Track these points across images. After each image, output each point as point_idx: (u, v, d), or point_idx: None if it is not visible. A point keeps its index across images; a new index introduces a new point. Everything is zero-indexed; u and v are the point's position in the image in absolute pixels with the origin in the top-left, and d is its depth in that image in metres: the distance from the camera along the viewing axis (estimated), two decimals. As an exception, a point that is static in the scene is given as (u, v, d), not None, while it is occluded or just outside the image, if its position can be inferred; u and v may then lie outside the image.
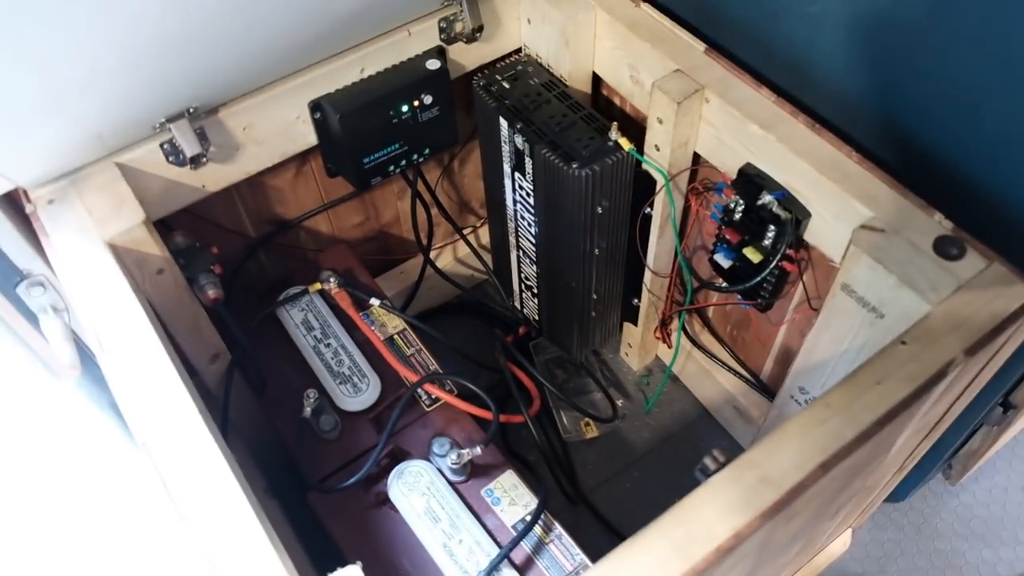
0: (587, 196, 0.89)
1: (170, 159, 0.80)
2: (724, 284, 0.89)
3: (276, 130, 0.86)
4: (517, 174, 0.96)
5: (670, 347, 1.07)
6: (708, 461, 0.58)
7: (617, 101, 0.99)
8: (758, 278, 0.82)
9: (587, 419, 1.13)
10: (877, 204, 0.72)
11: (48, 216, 0.74)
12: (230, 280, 0.95)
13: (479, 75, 0.95)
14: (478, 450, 0.80)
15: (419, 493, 0.79)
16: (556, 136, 0.89)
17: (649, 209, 0.92)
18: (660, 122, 0.84)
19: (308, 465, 0.83)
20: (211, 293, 0.80)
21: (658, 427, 1.13)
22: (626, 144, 0.88)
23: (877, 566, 1.12)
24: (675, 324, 1.05)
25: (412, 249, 1.19)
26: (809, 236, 0.79)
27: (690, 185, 0.90)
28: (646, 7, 0.88)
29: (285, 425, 0.85)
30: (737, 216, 0.83)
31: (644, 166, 0.89)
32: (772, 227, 0.80)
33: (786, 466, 0.57)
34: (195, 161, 0.81)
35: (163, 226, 0.84)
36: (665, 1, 0.89)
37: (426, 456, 0.83)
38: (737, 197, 0.82)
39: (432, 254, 1.19)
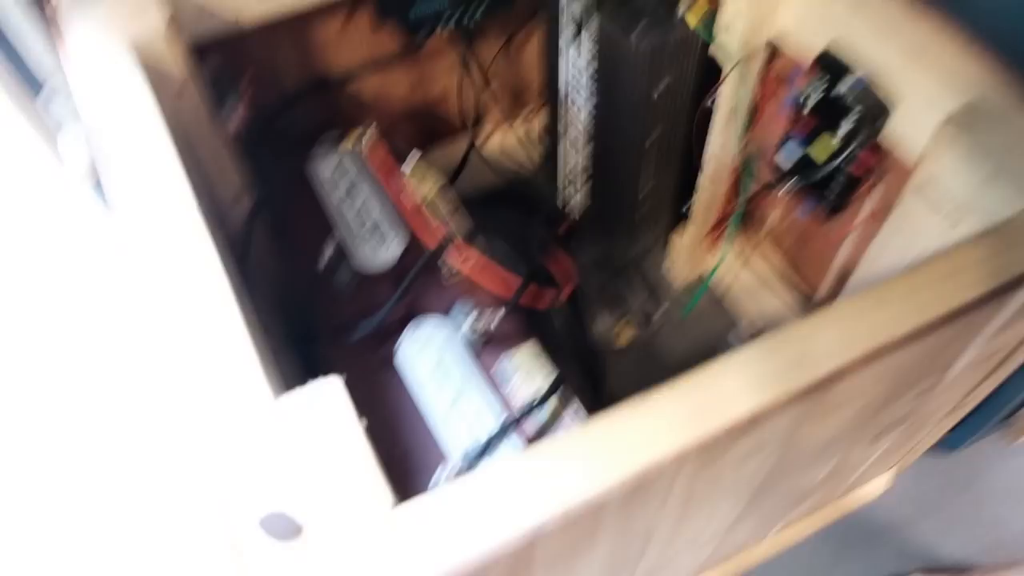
0: (645, 74, 0.81)
1: (205, -27, 0.75)
2: (786, 182, 0.81)
3: (322, -39, 0.80)
4: (573, 48, 0.88)
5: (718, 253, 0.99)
6: (743, 327, 0.51)
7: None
8: (824, 172, 0.73)
9: (619, 327, 1.07)
10: (975, 94, 0.63)
11: (69, 16, 0.70)
12: (261, 130, 0.91)
13: (546, -66, 0.88)
14: (499, 316, 0.75)
15: (431, 352, 0.75)
16: (619, 5, 0.81)
17: (713, 99, 0.84)
18: (737, -8, 0.75)
19: (320, 318, 0.79)
20: (235, 122, 0.75)
21: (695, 344, 1.07)
22: (694, 19, 0.80)
23: (911, 517, 1.05)
24: (727, 232, 0.97)
25: (459, 131, 1.13)
26: (889, 134, 0.70)
27: (761, 74, 0.82)
28: None
29: (300, 277, 0.81)
30: (809, 109, 0.75)
31: (712, 49, 0.81)
32: (847, 120, 0.71)
33: (830, 346, 0.50)
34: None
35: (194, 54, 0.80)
36: None
37: (446, 316, 0.78)
38: (813, 86, 0.74)
39: (480, 139, 1.13)
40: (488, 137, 1.17)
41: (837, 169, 0.73)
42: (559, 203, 1.11)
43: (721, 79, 0.82)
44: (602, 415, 0.47)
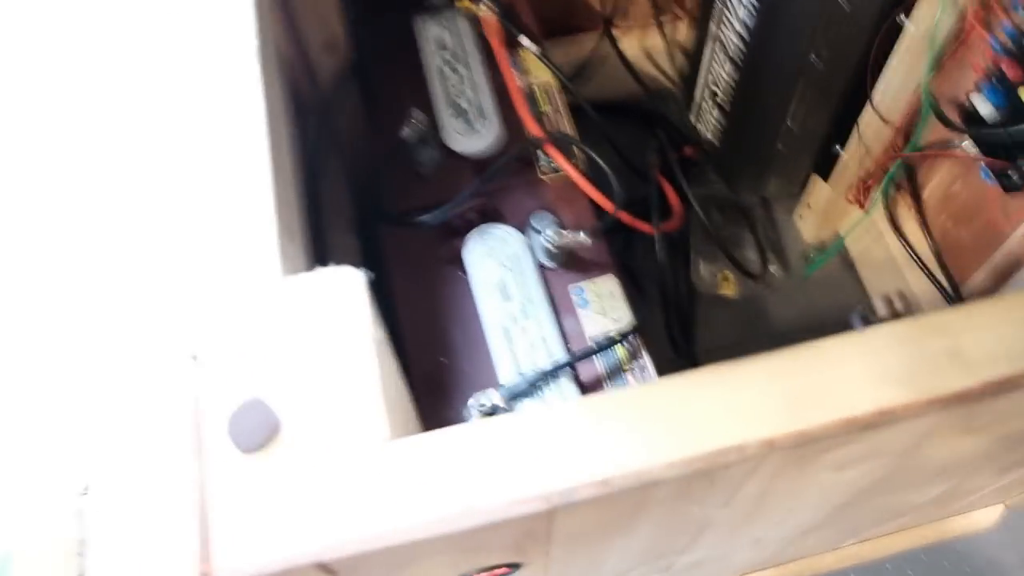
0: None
1: None
2: (976, 132, 0.65)
3: None
4: (747, -66, 0.74)
5: (862, 208, 0.84)
6: (879, 304, 0.39)
7: None
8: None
9: (727, 273, 0.94)
10: None
11: None
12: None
13: None
14: (582, 237, 0.64)
15: (498, 262, 0.65)
16: None
17: (905, 17, 0.69)
18: None
19: (391, 195, 0.71)
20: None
21: (809, 309, 0.93)
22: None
23: (1014, 562, 0.91)
24: (880, 186, 0.82)
25: (597, 21, 1.00)
26: None
27: (975, -4, 0.65)
28: None
29: (380, 144, 0.72)
30: (1030, 45, 0.59)
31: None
32: (1079, 65, 0.56)
33: (995, 347, 0.38)
34: None
35: None
36: None
37: (522, 227, 0.68)
38: (1042, 16, 0.58)
39: (617, 34, 0.99)
40: (629, 33, 1.03)
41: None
42: (690, 122, 0.97)
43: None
44: (676, 376, 0.37)
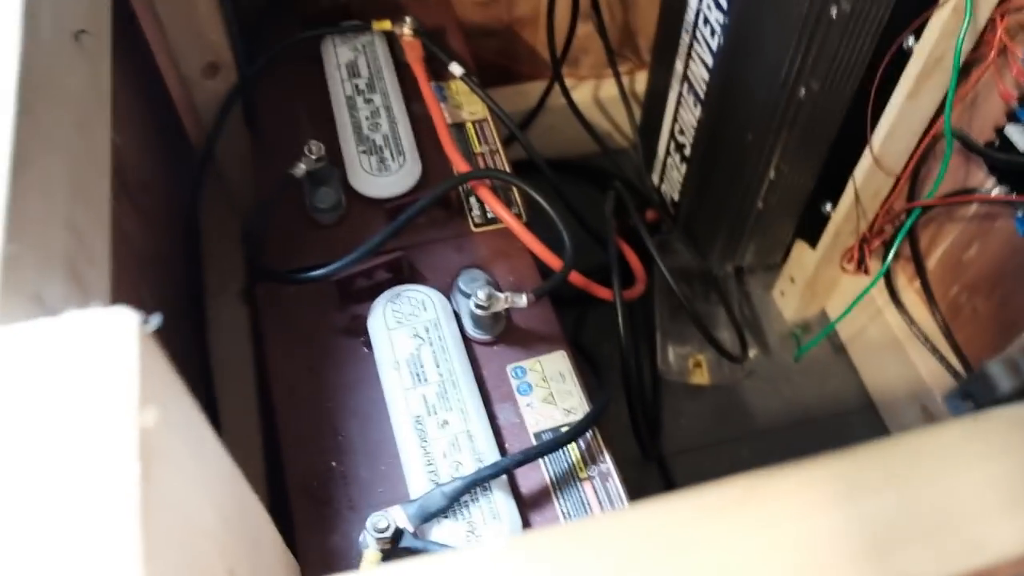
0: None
1: None
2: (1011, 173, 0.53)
3: None
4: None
5: (866, 274, 0.71)
6: (997, 370, 0.25)
7: None
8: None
9: (699, 358, 0.80)
10: None
11: None
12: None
13: None
14: (523, 301, 0.49)
15: (411, 332, 0.49)
16: None
17: (912, 40, 0.57)
18: None
19: (279, 247, 0.55)
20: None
21: (795, 402, 0.79)
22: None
23: None
24: (882, 252, 0.69)
25: (543, 68, 0.87)
26: None
27: (999, 6, 0.54)
28: None
29: (269, 185, 0.57)
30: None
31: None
32: None
33: None
34: None
35: None
36: None
37: (447, 289, 0.52)
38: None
39: (568, 83, 0.87)
40: (581, 83, 0.91)
41: None
42: (651, 183, 0.84)
43: (933, 7, 0.54)
44: (671, 496, 0.21)
